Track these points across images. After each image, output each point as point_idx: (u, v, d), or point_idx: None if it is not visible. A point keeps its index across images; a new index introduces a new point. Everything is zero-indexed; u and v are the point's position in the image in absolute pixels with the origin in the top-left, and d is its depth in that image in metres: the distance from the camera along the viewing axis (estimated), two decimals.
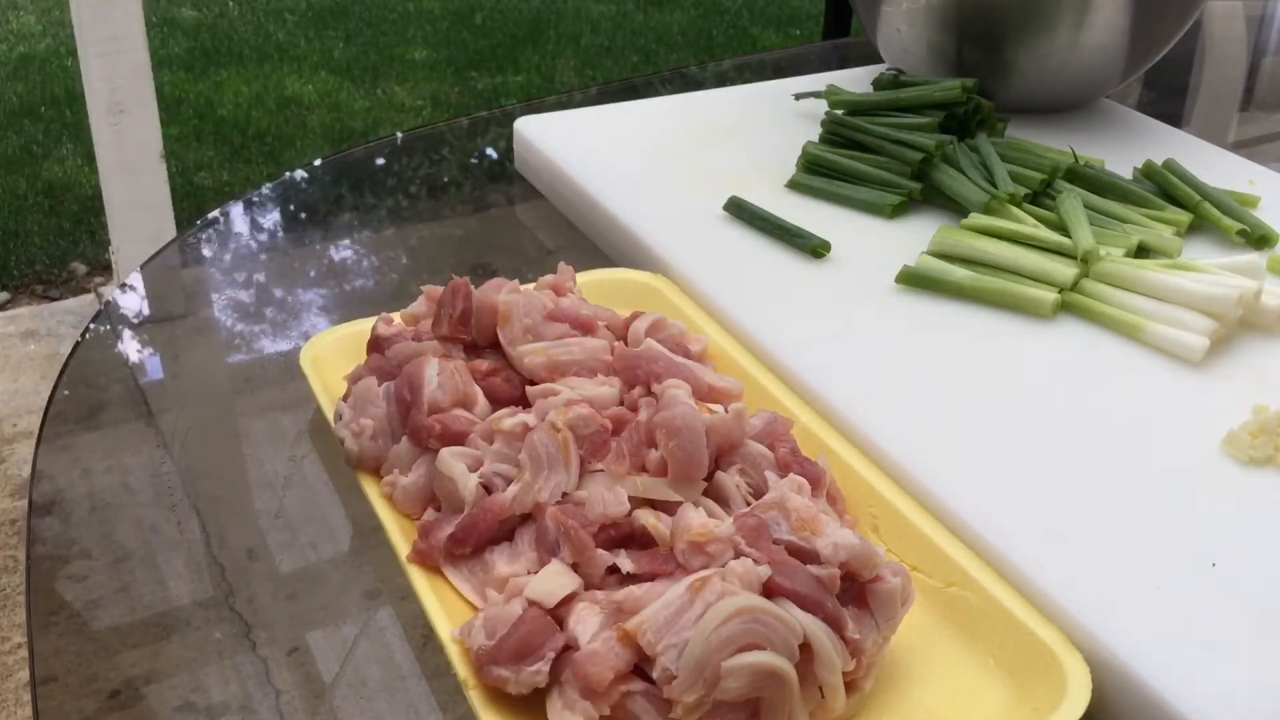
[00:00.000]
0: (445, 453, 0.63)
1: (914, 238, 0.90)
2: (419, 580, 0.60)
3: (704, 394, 0.67)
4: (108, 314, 0.89)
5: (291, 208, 1.06)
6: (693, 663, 0.50)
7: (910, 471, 0.66)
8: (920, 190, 0.95)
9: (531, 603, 0.54)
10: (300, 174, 1.13)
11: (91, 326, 0.86)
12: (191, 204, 2.83)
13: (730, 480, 0.61)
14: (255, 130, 3.35)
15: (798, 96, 1.14)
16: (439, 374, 0.66)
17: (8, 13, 4.00)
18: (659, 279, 0.85)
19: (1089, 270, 0.83)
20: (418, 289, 0.75)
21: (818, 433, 0.69)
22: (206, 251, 0.98)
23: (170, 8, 4.10)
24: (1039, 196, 0.94)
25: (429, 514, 0.63)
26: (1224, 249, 0.91)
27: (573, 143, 1.05)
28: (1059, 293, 0.82)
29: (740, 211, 0.93)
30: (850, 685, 0.54)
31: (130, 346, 0.86)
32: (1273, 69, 1.55)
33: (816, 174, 0.99)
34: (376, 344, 0.72)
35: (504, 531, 0.61)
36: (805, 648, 0.52)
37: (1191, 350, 0.76)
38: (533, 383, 0.67)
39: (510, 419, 0.63)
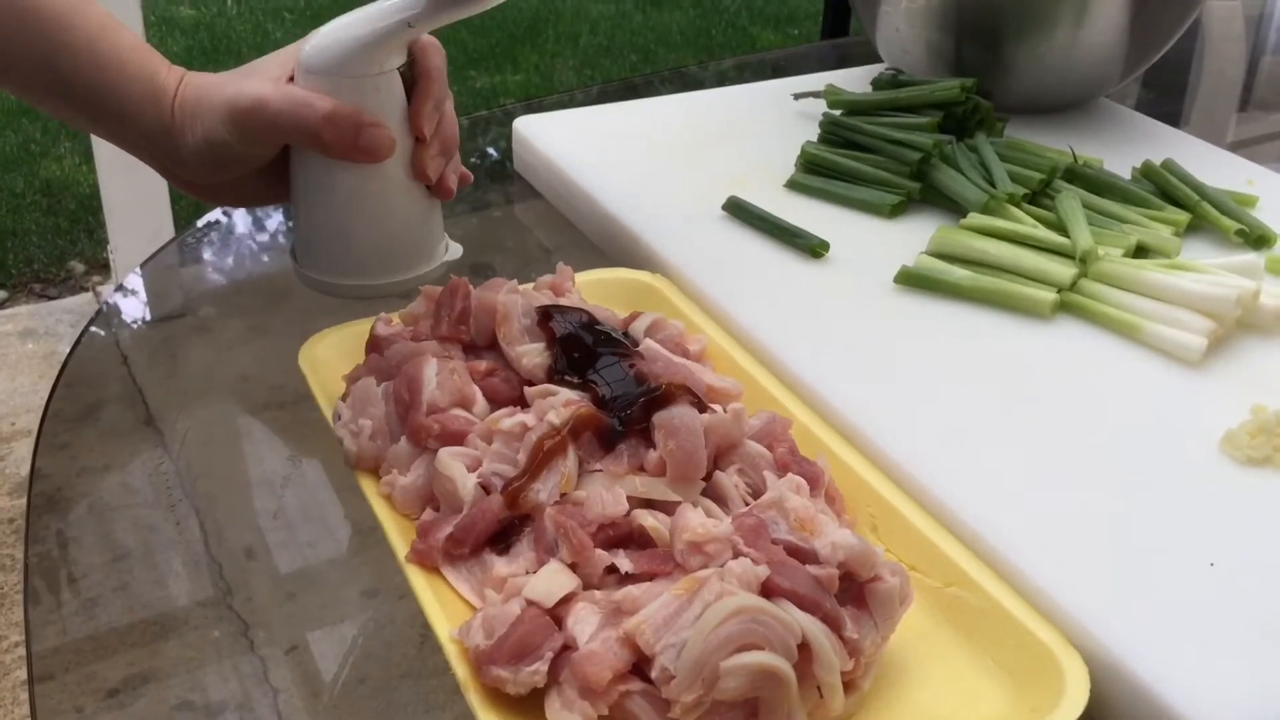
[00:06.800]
0: (444, 453, 0.63)
1: (913, 238, 0.91)
2: (417, 580, 0.60)
3: (702, 394, 0.67)
4: (106, 313, 0.89)
5: (289, 207, 1.06)
6: (691, 662, 0.50)
7: (909, 471, 0.66)
8: (919, 190, 0.96)
9: (530, 603, 0.54)
10: None
11: (90, 326, 0.86)
12: (190, 203, 2.83)
13: (729, 480, 0.61)
14: None
15: (797, 96, 1.14)
16: (438, 374, 0.66)
17: None
18: (658, 279, 0.85)
19: (1088, 270, 0.84)
20: (416, 289, 0.75)
21: (816, 433, 0.69)
22: (205, 251, 0.98)
23: (169, 6, 4.10)
24: (1038, 196, 0.94)
25: (427, 514, 0.63)
26: (1222, 249, 0.91)
27: (572, 142, 1.05)
28: (1057, 293, 0.82)
29: (739, 211, 0.93)
30: (849, 685, 0.54)
31: (129, 346, 0.86)
32: (1271, 69, 1.55)
33: (815, 174, 0.99)
34: (375, 344, 0.72)
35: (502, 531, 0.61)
36: (804, 647, 0.52)
37: (1190, 350, 0.77)
38: (531, 383, 0.67)
39: (509, 419, 0.63)
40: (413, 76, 0.71)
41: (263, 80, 0.69)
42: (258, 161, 0.71)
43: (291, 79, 0.70)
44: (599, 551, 0.57)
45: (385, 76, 0.69)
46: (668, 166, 1.02)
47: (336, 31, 0.68)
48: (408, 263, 0.75)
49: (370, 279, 0.74)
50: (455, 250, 0.77)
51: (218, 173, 0.72)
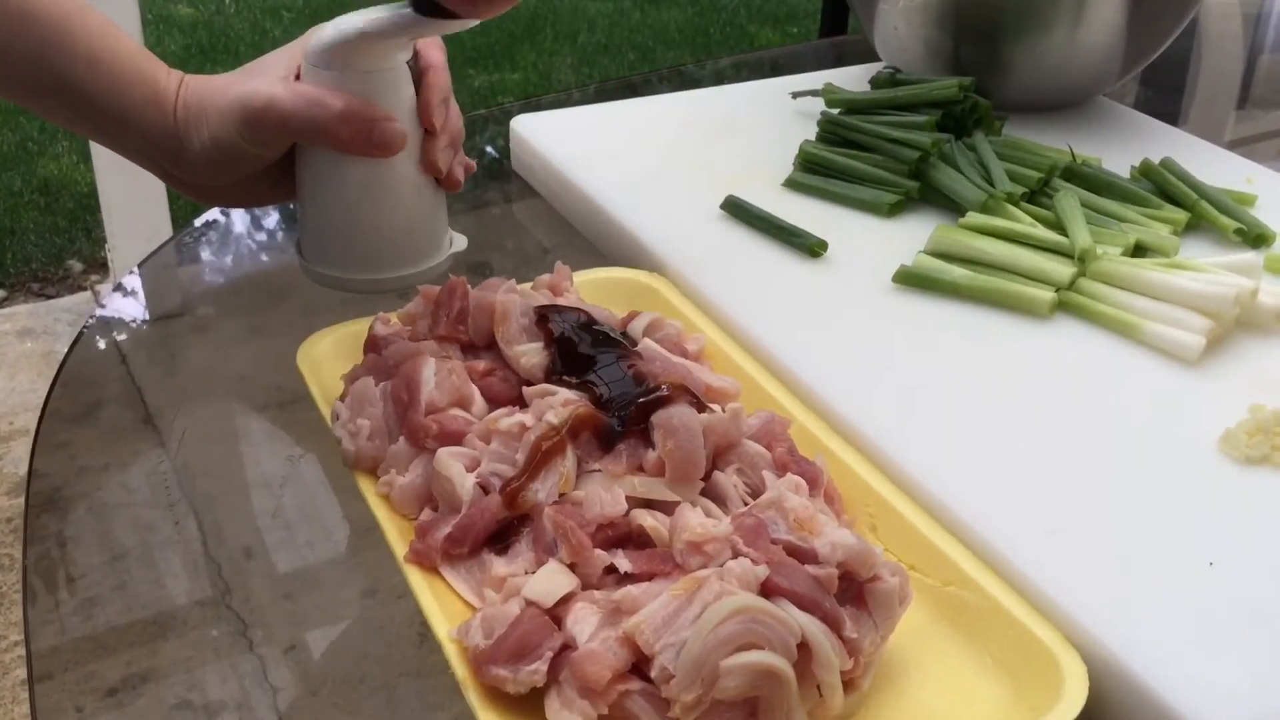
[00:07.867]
0: (443, 453, 0.63)
1: (911, 237, 0.91)
2: (416, 580, 0.60)
3: (701, 394, 0.67)
4: (105, 312, 0.89)
5: (288, 206, 1.06)
6: (691, 662, 0.50)
7: (908, 471, 0.66)
8: (918, 189, 0.95)
9: (529, 602, 0.55)
10: None
11: (88, 325, 0.86)
12: (188, 202, 2.83)
13: (728, 480, 0.61)
14: None
15: (795, 95, 1.14)
16: (436, 374, 0.66)
17: None
18: (656, 278, 0.85)
19: (1086, 269, 0.84)
20: (415, 288, 0.75)
21: (815, 432, 0.69)
22: (203, 250, 0.98)
23: (166, 5, 4.09)
24: (1036, 195, 0.94)
25: (426, 514, 0.63)
26: (1221, 248, 0.91)
27: (570, 141, 1.05)
28: (1056, 292, 0.82)
29: (737, 210, 0.93)
30: (848, 684, 0.54)
31: (127, 345, 0.86)
32: (1269, 67, 1.55)
33: (814, 173, 0.99)
34: (373, 344, 0.72)
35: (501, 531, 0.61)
36: (803, 647, 0.52)
37: (1188, 349, 0.77)
38: (530, 383, 0.67)
39: (507, 419, 0.63)
40: (418, 69, 0.71)
41: (270, 80, 0.69)
42: (265, 161, 0.71)
43: (297, 76, 0.69)
44: (598, 551, 0.57)
45: (395, 70, 0.69)
46: (666, 165, 1.02)
47: (344, 26, 0.68)
48: (416, 256, 0.75)
49: (380, 273, 0.74)
50: (460, 242, 0.77)
51: (224, 174, 0.72)
